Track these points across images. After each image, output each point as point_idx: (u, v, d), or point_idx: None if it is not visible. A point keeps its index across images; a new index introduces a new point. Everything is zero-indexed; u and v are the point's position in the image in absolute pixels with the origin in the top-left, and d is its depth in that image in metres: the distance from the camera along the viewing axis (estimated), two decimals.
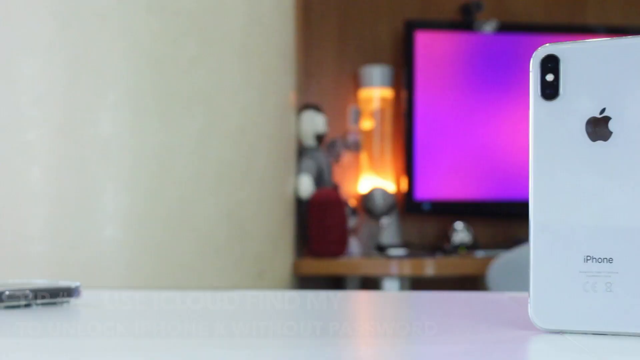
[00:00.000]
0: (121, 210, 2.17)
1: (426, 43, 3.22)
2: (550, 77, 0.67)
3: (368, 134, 3.25)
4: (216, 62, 2.29)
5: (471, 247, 3.08)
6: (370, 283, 3.06)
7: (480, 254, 3.00)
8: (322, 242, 2.82)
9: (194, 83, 2.24)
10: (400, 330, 0.75)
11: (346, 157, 3.25)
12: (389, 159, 3.26)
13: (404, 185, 3.21)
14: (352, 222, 3.03)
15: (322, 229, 2.81)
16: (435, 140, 3.21)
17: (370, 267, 2.87)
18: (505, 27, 3.28)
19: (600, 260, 0.64)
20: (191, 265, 2.24)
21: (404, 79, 3.22)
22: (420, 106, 3.19)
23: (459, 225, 3.12)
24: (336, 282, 3.15)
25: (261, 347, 0.62)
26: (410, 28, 3.22)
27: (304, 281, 2.92)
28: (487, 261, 2.64)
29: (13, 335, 0.68)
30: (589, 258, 0.65)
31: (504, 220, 3.29)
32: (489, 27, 3.25)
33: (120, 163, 2.17)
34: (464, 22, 3.30)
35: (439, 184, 3.22)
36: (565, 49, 0.67)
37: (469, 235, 3.10)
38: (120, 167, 2.17)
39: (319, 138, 2.97)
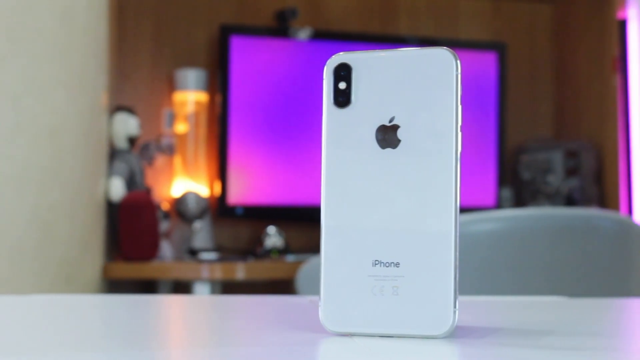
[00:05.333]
0: None
1: (241, 48, 3.23)
2: (342, 85, 0.68)
3: (182, 137, 3.23)
4: (25, 61, 2.23)
5: (283, 251, 3.11)
6: (182, 287, 3.04)
7: (291, 258, 3.03)
8: (133, 245, 2.79)
9: (1, 82, 2.18)
10: (193, 333, 0.75)
11: (160, 160, 3.22)
12: (203, 162, 3.25)
13: (217, 189, 3.21)
14: (164, 225, 3.01)
15: (133, 232, 2.77)
16: (249, 145, 3.22)
17: (182, 270, 2.85)
18: (320, 35, 3.33)
19: (387, 264, 0.66)
20: None
21: (218, 83, 3.22)
22: (235, 111, 3.20)
23: (271, 229, 3.14)
24: (148, 286, 3.12)
25: (62, 357, 0.61)
26: (225, 33, 3.22)
27: (115, 285, 2.88)
28: (297, 265, 2.67)
29: None
30: (377, 262, 0.66)
31: (315, 225, 3.31)
32: (303, 34, 3.29)
33: None
34: (279, 29, 3.33)
35: (252, 188, 3.23)
36: (357, 58, 0.68)
37: (281, 239, 3.13)
38: None
39: (132, 140, 2.93)
